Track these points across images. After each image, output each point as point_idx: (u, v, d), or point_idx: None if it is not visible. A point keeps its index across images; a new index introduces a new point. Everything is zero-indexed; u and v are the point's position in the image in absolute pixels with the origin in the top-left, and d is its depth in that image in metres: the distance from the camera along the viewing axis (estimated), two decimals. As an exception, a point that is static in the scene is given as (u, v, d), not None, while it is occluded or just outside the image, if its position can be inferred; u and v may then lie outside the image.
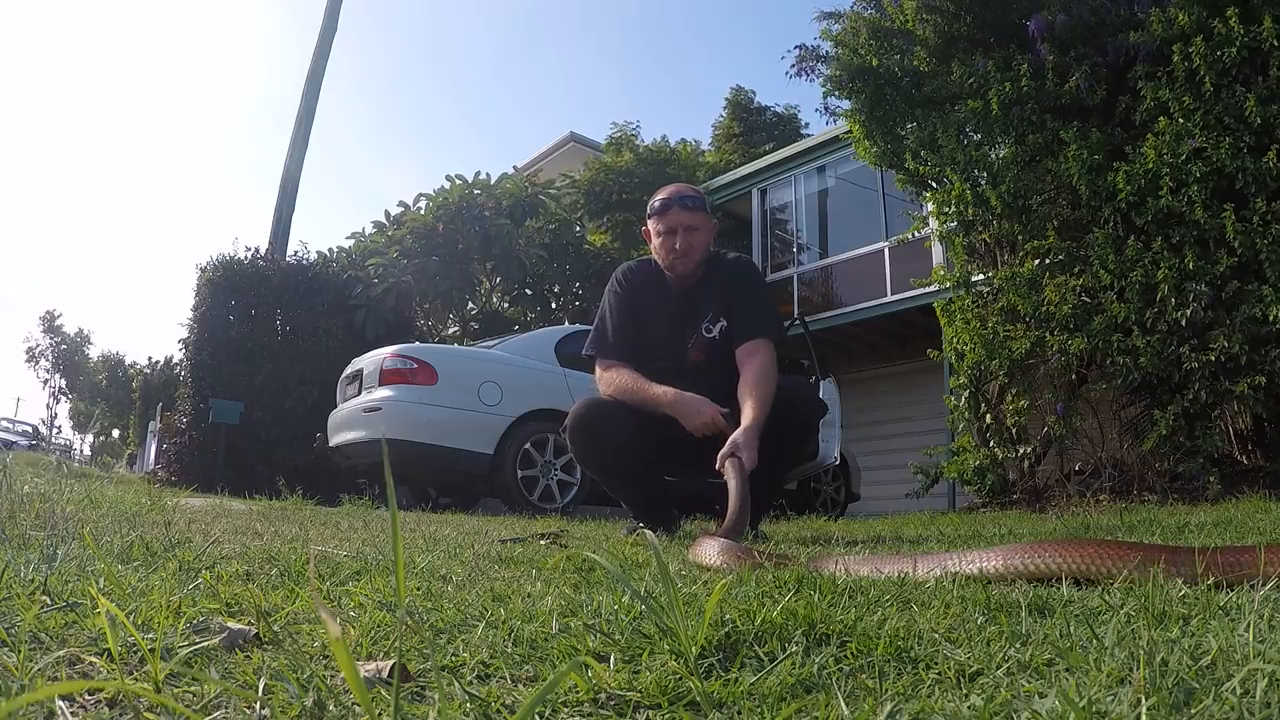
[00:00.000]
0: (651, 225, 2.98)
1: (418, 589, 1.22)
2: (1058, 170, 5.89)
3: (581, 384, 5.41)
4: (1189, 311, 5.17)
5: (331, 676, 0.76)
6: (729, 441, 2.47)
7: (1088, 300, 5.72)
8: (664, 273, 2.99)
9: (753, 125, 18.31)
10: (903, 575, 1.38)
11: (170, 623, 0.89)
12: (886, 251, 11.51)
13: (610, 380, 2.89)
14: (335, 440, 6.45)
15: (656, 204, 2.97)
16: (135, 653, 0.78)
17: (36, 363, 47.80)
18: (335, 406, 6.72)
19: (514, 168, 14.31)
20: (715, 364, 2.89)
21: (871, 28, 6.76)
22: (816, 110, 18.01)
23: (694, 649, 0.79)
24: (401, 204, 13.14)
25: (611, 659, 0.81)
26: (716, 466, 2.46)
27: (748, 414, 2.56)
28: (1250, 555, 1.20)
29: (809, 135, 14.59)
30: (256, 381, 9.94)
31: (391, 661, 0.77)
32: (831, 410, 6.73)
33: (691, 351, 2.94)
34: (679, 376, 2.77)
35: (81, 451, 35.71)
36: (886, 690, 0.73)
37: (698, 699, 0.71)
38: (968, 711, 0.65)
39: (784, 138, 17.33)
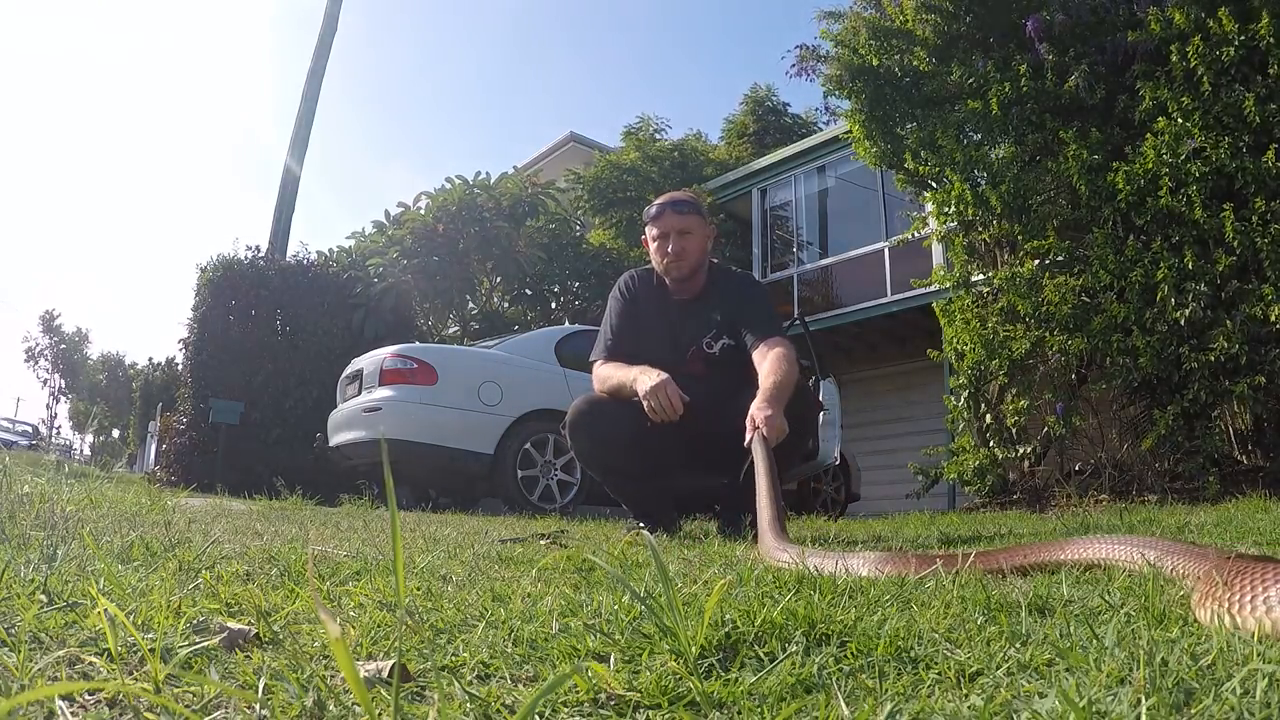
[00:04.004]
0: (648, 232, 3.03)
1: (418, 589, 1.22)
2: (1057, 170, 5.89)
3: (581, 384, 5.39)
4: (1188, 311, 5.17)
5: (331, 676, 0.76)
6: (749, 416, 2.41)
7: (1088, 300, 5.72)
8: (665, 281, 3.01)
9: (769, 126, 18.12)
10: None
11: (170, 623, 0.89)
12: (886, 251, 11.50)
13: (598, 375, 2.93)
14: (335, 440, 6.45)
15: (651, 211, 3.03)
16: (135, 653, 0.78)
17: (36, 362, 47.83)
18: (335, 406, 6.72)
19: (514, 168, 14.30)
20: (714, 375, 2.90)
21: (871, 27, 6.75)
22: (816, 109, 18.01)
23: (694, 649, 0.79)
24: (401, 204, 13.13)
25: (611, 659, 0.81)
26: (745, 443, 2.36)
27: (763, 383, 2.53)
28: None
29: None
30: (256, 381, 9.94)
31: (391, 661, 0.77)
32: (831, 410, 6.72)
33: (690, 363, 2.95)
34: (679, 384, 2.78)
35: (81, 451, 35.74)
36: (886, 690, 0.73)
37: (698, 699, 0.71)
38: (968, 711, 0.65)
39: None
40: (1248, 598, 0.86)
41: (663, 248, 2.94)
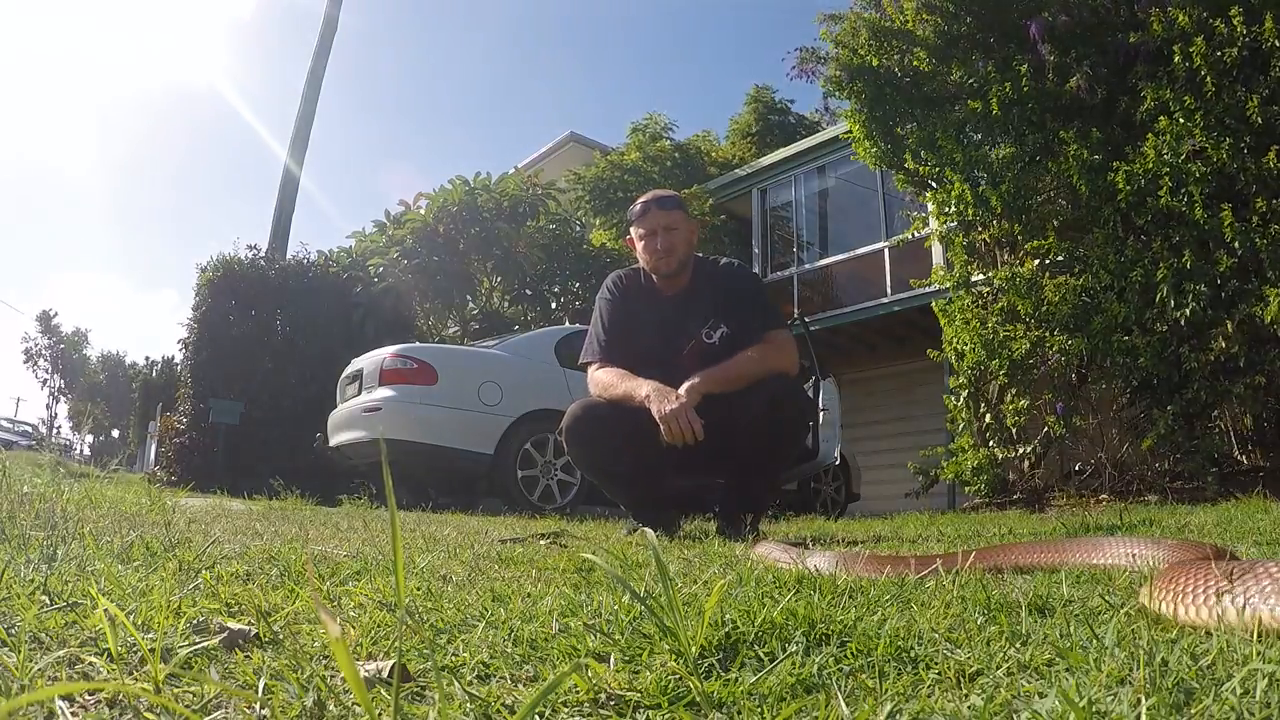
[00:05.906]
0: (633, 232, 3.03)
1: (418, 589, 1.22)
2: (1058, 170, 5.89)
3: (581, 384, 5.40)
4: (1188, 311, 5.17)
5: (331, 676, 0.76)
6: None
7: (1088, 300, 5.72)
8: (654, 279, 3.02)
9: (772, 125, 18.06)
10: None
11: (170, 623, 0.89)
12: (886, 251, 11.51)
13: (597, 380, 2.91)
14: (335, 440, 6.45)
15: (636, 209, 3.03)
16: (135, 653, 0.78)
17: (35, 363, 47.76)
18: (335, 406, 6.72)
19: (514, 168, 14.29)
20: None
21: (871, 28, 6.75)
22: (816, 110, 17.98)
23: (694, 649, 0.79)
24: (402, 204, 13.11)
25: (611, 659, 0.81)
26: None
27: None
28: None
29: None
30: (256, 381, 9.93)
31: (391, 661, 0.77)
32: (831, 410, 6.72)
33: (687, 358, 2.94)
34: (674, 380, 2.77)
35: (81, 451, 35.70)
36: (886, 690, 0.73)
37: (698, 699, 0.71)
38: (968, 711, 0.65)
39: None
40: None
41: (650, 245, 2.95)
